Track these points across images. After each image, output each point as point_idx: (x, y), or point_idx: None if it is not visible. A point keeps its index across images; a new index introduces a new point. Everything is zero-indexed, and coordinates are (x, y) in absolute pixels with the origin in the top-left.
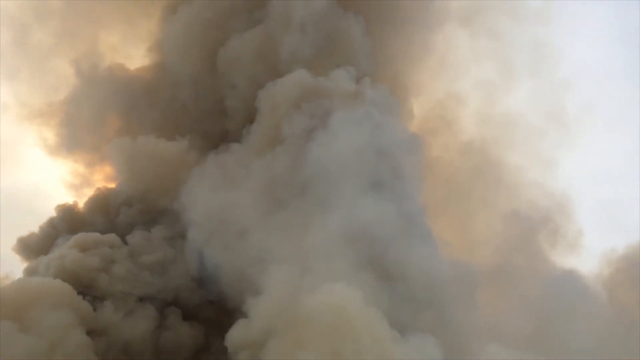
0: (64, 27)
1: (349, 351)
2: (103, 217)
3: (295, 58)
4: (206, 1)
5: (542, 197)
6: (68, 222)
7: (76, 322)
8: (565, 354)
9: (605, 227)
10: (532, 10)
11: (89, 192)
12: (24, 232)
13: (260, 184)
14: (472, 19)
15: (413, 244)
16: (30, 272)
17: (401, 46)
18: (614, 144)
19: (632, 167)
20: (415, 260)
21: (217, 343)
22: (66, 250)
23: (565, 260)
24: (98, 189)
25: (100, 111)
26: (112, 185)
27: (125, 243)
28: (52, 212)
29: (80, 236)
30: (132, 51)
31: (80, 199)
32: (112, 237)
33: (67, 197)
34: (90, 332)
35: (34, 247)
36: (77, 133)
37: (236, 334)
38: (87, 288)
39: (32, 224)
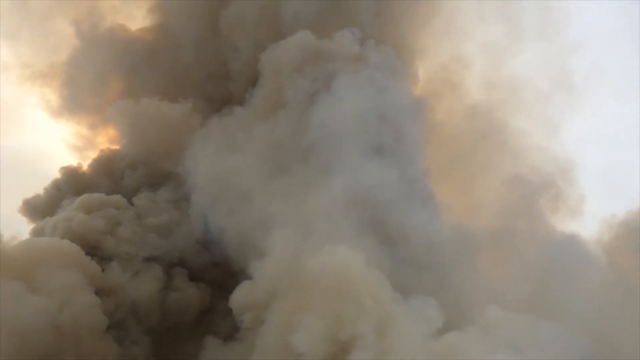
0: None
1: (350, 312)
2: (108, 179)
3: (298, 19)
4: None
5: (546, 162)
6: (73, 184)
7: (84, 282)
8: (563, 317)
9: (608, 191)
10: None
11: (92, 155)
12: (29, 194)
13: (263, 148)
14: None
15: (414, 208)
16: (36, 233)
17: (407, 7)
18: (620, 108)
19: (637, 131)
20: (416, 224)
21: (222, 304)
22: (72, 212)
23: (566, 225)
24: (102, 150)
25: (102, 73)
26: (116, 147)
27: (132, 205)
28: (56, 174)
29: (86, 197)
30: (133, 11)
31: (84, 162)
32: (117, 197)
33: (71, 159)
34: (98, 292)
35: (40, 209)
36: (79, 95)
37: (240, 296)
38: (94, 249)
39: (37, 185)
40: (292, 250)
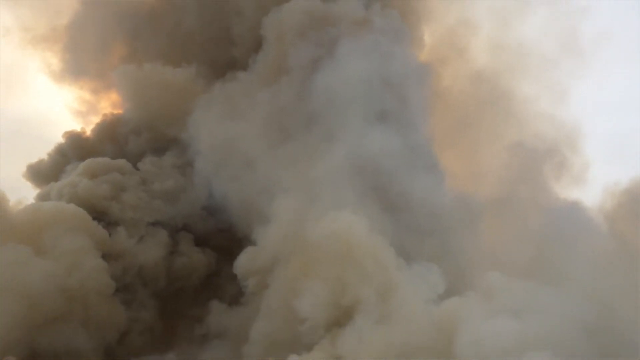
0: None
1: (353, 277)
2: (112, 144)
3: None
4: None
5: (551, 129)
6: (77, 148)
7: (91, 246)
8: (564, 283)
9: (612, 158)
10: None
11: (95, 120)
12: (33, 158)
13: (266, 115)
14: None
15: (418, 175)
16: (42, 198)
17: None
18: (628, 74)
19: None
20: (419, 191)
21: (227, 269)
22: (77, 178)
23: (570, 192)
24: (105, 115)
25: (104, 37)
26: (119, 112)
27: (137, 169)
28: (59, 139)
29: (90, 162)
30: None
31: (87, 127)
32: (122, 162)
33: (74, 124)
34: (105, 256)
35: (44, 174)
36: (81, 59)
37: (244, 261)
38: (100, 214)
39: (41, 150)
40: (296, 216)
